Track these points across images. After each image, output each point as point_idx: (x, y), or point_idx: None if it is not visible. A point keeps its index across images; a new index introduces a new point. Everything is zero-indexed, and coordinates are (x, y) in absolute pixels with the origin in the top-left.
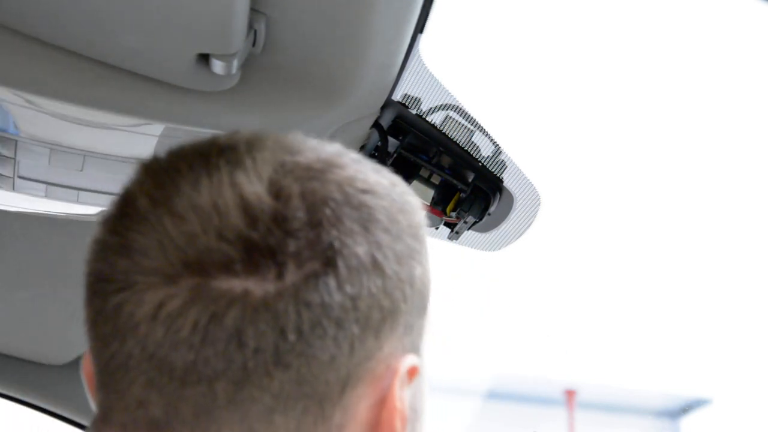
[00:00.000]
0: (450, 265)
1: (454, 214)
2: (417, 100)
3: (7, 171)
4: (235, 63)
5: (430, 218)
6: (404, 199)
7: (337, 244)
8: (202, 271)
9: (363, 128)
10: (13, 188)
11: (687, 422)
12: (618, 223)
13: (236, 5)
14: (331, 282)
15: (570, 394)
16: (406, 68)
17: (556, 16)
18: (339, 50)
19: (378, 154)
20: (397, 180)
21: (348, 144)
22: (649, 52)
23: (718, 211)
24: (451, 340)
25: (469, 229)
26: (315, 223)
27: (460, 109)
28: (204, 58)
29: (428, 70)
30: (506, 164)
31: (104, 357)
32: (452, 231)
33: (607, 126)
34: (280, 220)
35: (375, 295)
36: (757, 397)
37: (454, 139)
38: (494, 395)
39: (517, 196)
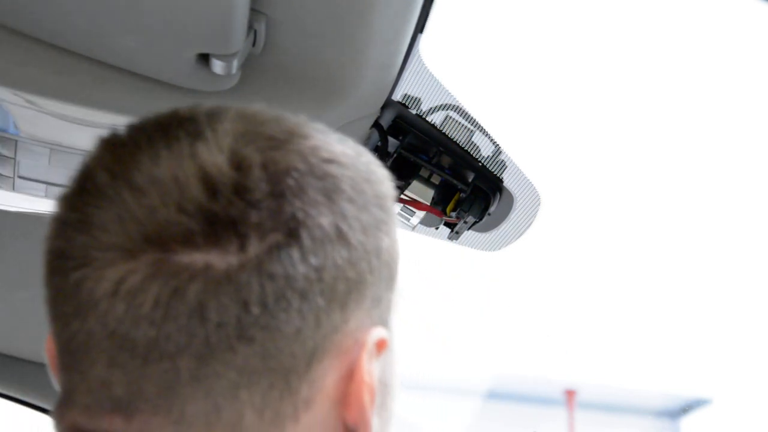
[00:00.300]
0: (450, 265)
1: (454, 214)
2: (417, 100)
3: (7, 171)
4: (235, 63)
5: (430, 218)
6: (370, 168)
7: (300, 214)
8: (163, 245)
9: (363, 128)
10: (13, 188)
11: (687, 422)
12: (618, 224)
13: (236, 5)
14: (295, 253)
15: (570, 394)
16: (406, 68)
17: (556, 16)
18: (339, 50)
19: (378, 154)
20: (362, 150)
21: None
22: (649, 52)
23: (718, 211)
24: (451, 340)
25: (469, 229)
26: (277, 194)
27: (460, 109)
28: (204, 58)
29: (428, 70)
30: (506, 164)
31: (65, 336)
32: (452, 231)
33: (607, 126)
34: (241, 191)
35: (340, 266)
36: (757, 397)
37: (454, 139)
38: (494, 395)
39: (517, 196)
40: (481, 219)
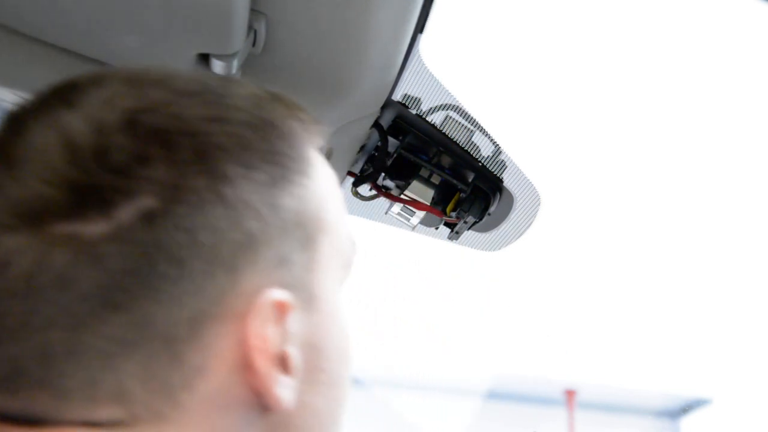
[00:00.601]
0: (450, 265)
1: (454, 214)
2: (417, 100)
3: None
4: (235, 63)
5: (430, 218)
6: (269, 123)
7: (169, 177)
8: (33, 218)
9: (363, 128)
10: None
11: (687, 422)
12: (618, 223)
13: (236, 5)
14: (165, 218)
15: (570, 394)
16: (406, 68)
17: (556, 16)
18: (339, 50)
19: (378, 154)
20: (268, 103)
21: (348, 144)
22: (649, 52)
23: (718, 211)
24: (451, 340)
25: (469, 229)
26: (143, 157)
27: (460, 109)
28: (204, 58)
29: (428, 70)
30: (506, 164)
31: None
32: (452, 231)
33: (608, 126)
34: (101, 156)
35: (220, 228)
36: (757, 397)
37: (454, 139)
38: (494, 395)
39: (517, 196)
40: (481, 219)
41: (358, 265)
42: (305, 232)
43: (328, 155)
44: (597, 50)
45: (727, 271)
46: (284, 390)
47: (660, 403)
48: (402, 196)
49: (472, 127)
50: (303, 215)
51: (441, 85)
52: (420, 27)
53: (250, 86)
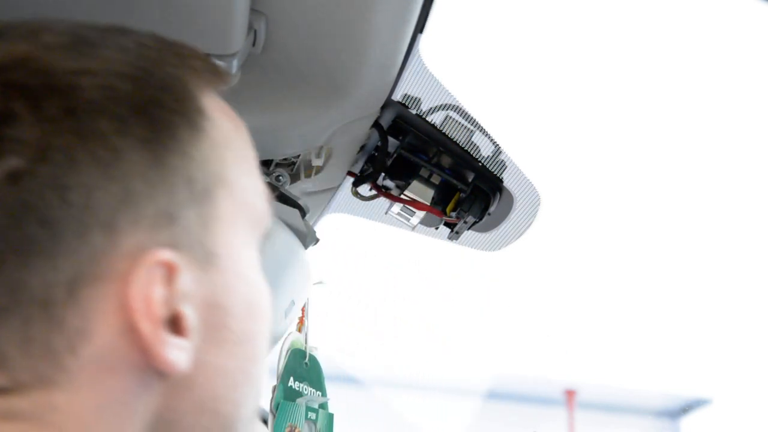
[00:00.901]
0: (450, 265)
1: (454, 214)
2: (417, 100)
3: None
4: (235, 63)
5: (430, 218)
6: (148, 73)
7: (36, 136)
8: None
9: (363, 128)
10: None
11: (687, 422)
12: (618, 224)
13: (236, 5)
14: (32, 179)
15: (570, 394)
16: (406, 68)
17: (556, 16)
18: (339, 50)
19: (378, 154)
20: (153, 52)
21: (348, 144)
22: (649, 52)
23: (718, 212)
24: (451, 340)
25: (469, 229)
26: (9, 116)
27: (460, 109)
28: None
29: (428, 70)
30: (506, 164)
31: None
32: (452, 231)
33: (608, 126)
34: None
35: (94, 186)
36: (757, 397)
37: (454, 139)
38: (494, 395)
39: (517, 196)
40: (481, 219)
41: (358, 265)
42: (197, 187)
43: (328, 155)
44: (597, 50)
45: (726, 272)
46: (176, 352)
47: (660, 403)
48: (402, 196)
49: (472, 127)
50: (193, 169)
51: (441, 85)
52: (420, 27)
53: (135, 35)
